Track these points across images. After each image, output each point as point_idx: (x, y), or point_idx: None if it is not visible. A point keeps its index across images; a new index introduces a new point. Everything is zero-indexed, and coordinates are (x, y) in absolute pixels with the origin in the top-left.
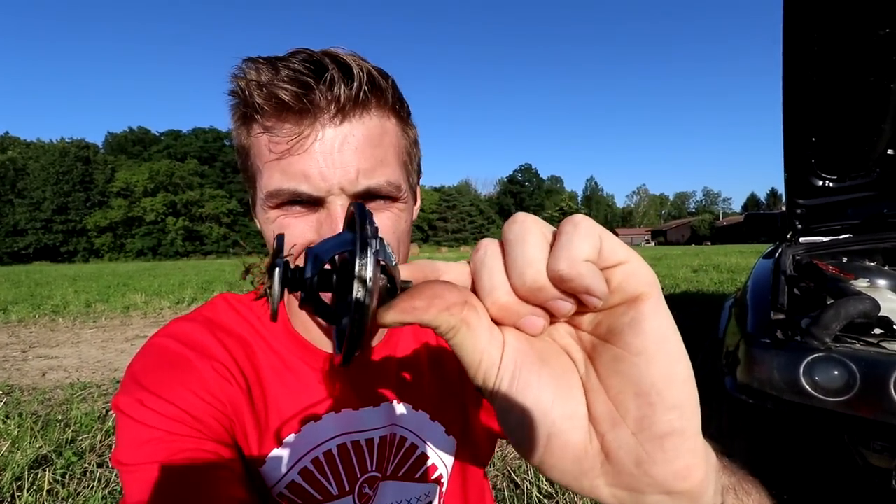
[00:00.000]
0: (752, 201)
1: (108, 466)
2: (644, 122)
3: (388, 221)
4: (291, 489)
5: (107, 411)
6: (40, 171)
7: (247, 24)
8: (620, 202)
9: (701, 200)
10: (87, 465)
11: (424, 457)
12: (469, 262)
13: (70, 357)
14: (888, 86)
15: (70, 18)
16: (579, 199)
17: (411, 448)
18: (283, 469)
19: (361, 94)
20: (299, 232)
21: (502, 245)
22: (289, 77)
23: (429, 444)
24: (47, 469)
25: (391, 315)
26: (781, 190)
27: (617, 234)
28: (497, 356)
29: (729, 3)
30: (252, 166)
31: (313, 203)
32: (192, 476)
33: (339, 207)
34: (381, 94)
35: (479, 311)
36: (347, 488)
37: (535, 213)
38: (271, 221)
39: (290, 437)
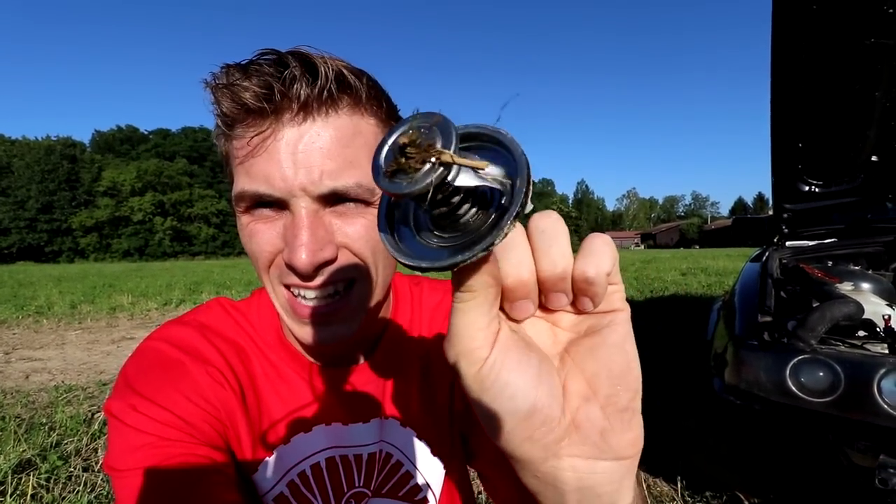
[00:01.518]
0: (739, 205)
1: (93, 470)
2: (635, 127)
3: (361, 229)
4: (279, 501)
5: (92, 414)
6: (25, 170)
7: (239, 23)
8: (611, 205)
9: (690, 204)
10: (72, 470)
11: (409, 475)
12: None
13: (54, 359)
14: (873, 94)
15: (55, 14)
16: (570, 201)
17: (396, 465)
18: (273, 480)
19: (326, 92)
20: (267, 239)
21: (529, 232)
22: (251, 78)
23: (414, 462)
24: (31, 473)
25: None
26: (769, 194)
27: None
28: (492, 335)
29: (718, 10)
30: (231, 173)
31: (279, 206)
32: (184, 481)
33: (302, 210)
34: (351, 92)
35: (497, 294)
36: (333, 502)
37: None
38: (243, 228)
39: (280, 448)
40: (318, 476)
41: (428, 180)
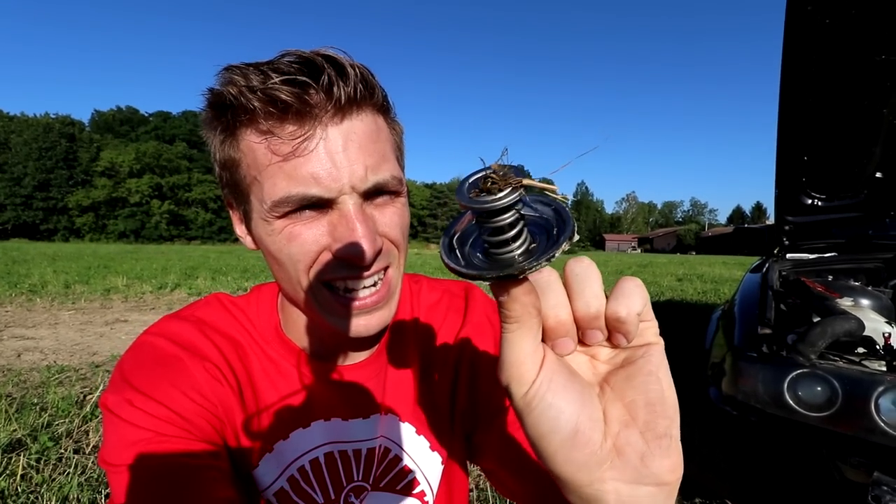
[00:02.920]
0: (737, 214)
1: (84, 453)
2: (636, 130)
3: (396, 217)
4: (279, 496)
5: (84, 396)
6: (22, 146)
7: (242, 12)
8: (609, 208)
9: (688, 210)
10: (62, 451)
11: (407, 469)
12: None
13: (47, 338)
14: (880, 110)
15: None
16: (569, 203)
17: (395, 459)
18: (272, 476)
19: (357, 92)
20: (312, 238)
21: (565, 276)
22: (284, 78)
23: (413, 456)
24: (21, 453)
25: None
26: (767, 204)
27: (605, 240)
28: (539, 360)
29: (726, 18)
30: (245, 179)
31: (322, 206)
32: (179, 477)
33: (351, 207)
34: (372, 91)
35: (539, 324)
36: (333, 497)
37: None
38: (277, 233)
39: (279, 443)
40: (318, 471)
41: (511, 197)
